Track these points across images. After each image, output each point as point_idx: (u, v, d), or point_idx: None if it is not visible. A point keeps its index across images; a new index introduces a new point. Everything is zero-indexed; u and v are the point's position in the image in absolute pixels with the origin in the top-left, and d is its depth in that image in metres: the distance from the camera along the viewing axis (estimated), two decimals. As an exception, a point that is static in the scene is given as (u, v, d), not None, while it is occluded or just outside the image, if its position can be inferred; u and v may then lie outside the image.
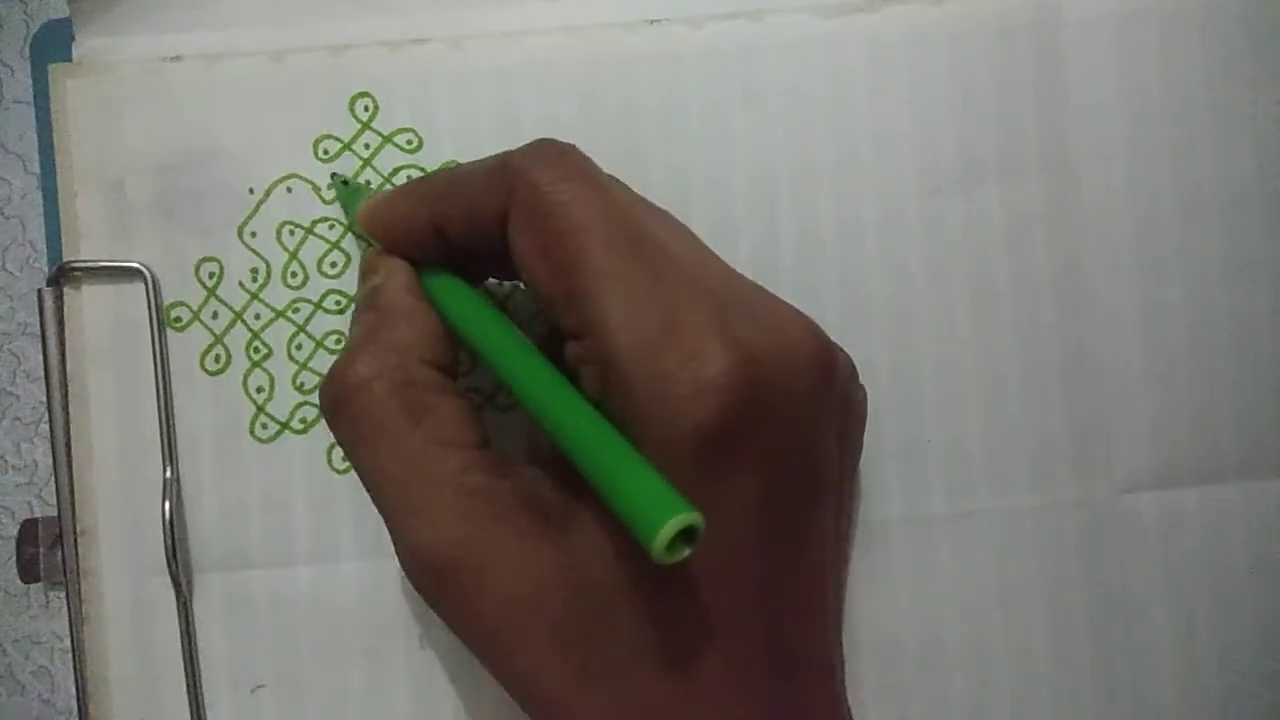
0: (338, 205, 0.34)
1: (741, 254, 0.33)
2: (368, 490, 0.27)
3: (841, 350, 0.28)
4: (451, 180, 0.29)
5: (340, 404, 0.27)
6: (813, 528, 0.27)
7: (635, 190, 0.29)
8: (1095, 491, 0.34)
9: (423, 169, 0.34)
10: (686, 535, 0.22)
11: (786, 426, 0.25)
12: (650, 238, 0.25)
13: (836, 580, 0.28)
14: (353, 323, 0.29)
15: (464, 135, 0.34)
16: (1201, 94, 0.34)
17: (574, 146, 0.27)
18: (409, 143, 0.34)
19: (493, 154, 0.28)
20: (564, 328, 0.26)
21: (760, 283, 0.33)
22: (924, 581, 0.33)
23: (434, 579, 0.26)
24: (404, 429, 0.26)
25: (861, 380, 0.32)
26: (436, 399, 0.27)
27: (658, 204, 0.29)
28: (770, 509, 0.25)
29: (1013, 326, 0.34)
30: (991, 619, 0.33)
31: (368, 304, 0.29)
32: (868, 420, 0.33)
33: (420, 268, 0.29)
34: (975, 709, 0.33)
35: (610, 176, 0.28)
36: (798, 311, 0.27)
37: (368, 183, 0.33)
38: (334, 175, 0.33)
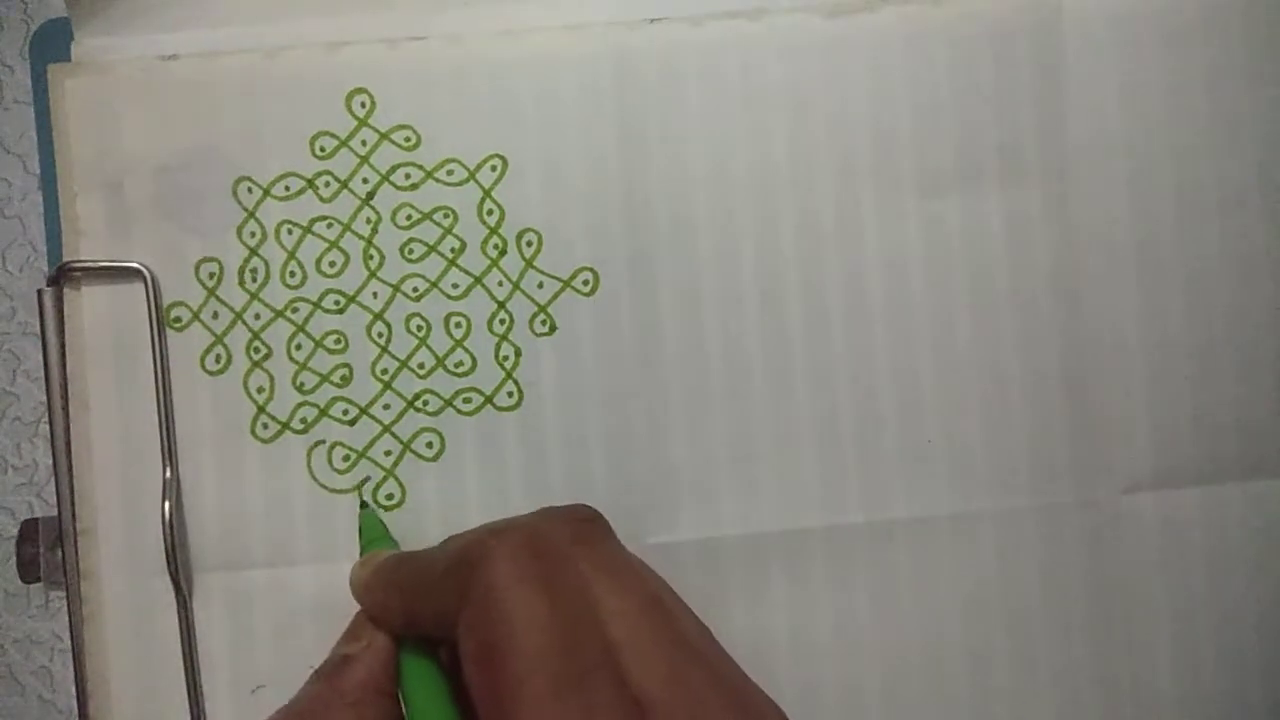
0: (335, 204, 0.34)
1: (743, 253, 0.33)
2: None
3: None
4: (416, 572, 0.27)
5: None
6: None
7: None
8: (1096, 492, 0.34)
9: (421, 166, 0.34)
10: None
11: None
12: (595, 667, 0.23)
13: None
14: (311, 678, 0.28)
15: (462, 133, 0.34)
16: (1201, 94, 0.34)
17: (540, 533, 0.25)
18: (407, 140, 0.34)
19: (465, 534, 0.26)
20: None
21: (761, 282, 0.34)
22: (926, 581, 0.33)
23: None
24: None
25: (864, 382, 0.33)
26: None
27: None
28: None
29: (1013, 326, 0.34)
30: (993, 619, 0.33)
31: (328, 674, 0.28)
32: (869, 421, 0.33)
33: (402, 643, 0.28)
34: (976, 708, 0.33)
35: (583, 552, 0.25)
36: None
37: (391, 540, 0.32)
38: (362, 506, 0.33)
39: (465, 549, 0.25)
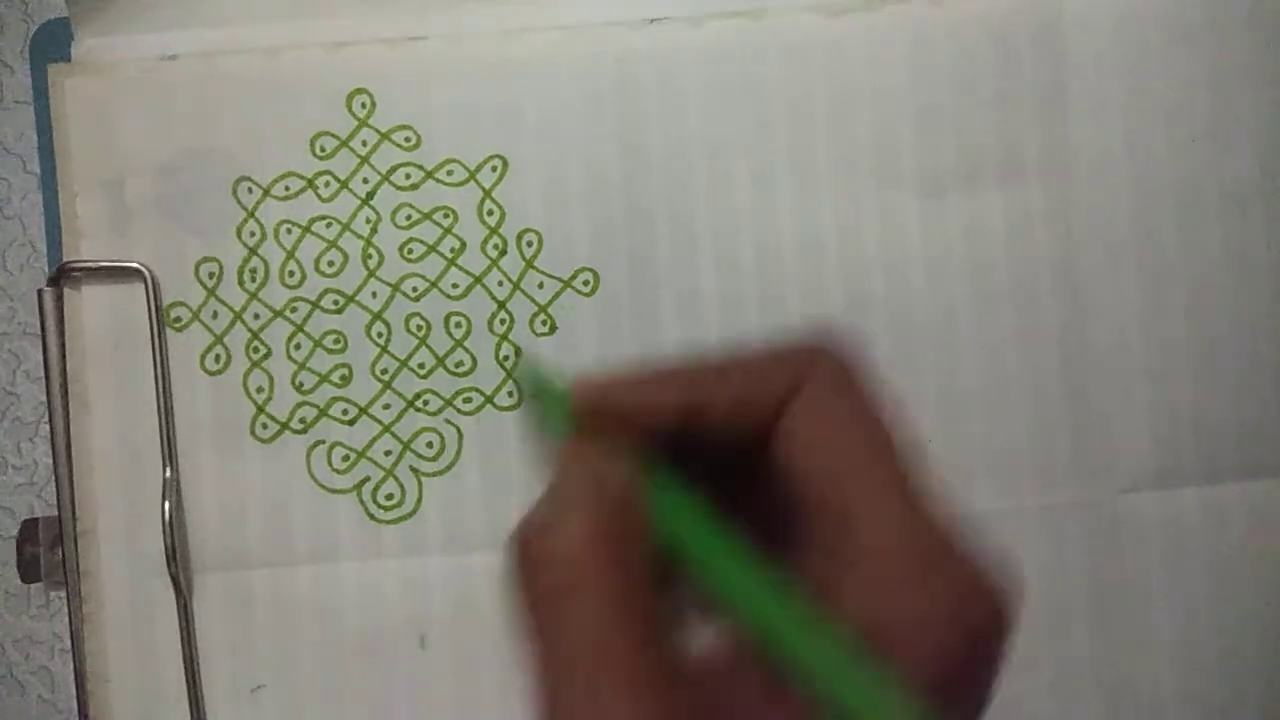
0: (334, 203, 0.34)
1: (742, 253, 0.33)
2: (545, 669, 0.22)
3: None
4: (722, 363, 0.26)
5: (546, 565, 0.22)
6: None
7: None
8: (1096, 491, 0.34)
9: (421, 167, 0.34)
10: None
11: (995, 677, 0.25)
12: (910, 473, 0.24)
13: None
14: (553, 485, 0.24)
15: (462, 133, 0.34)
16: (1203, 94, 0.34)
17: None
18: (407, 140, 0.34)
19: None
20: (819, 531, 0.23)
21: (762, 282, 0.34)
22: (924, 581, 0.33)
23: None
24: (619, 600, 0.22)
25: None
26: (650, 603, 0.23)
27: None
28: None
29: (1013, 327, 0.34)
30: (991, 619, 0.33)
31: (596, 480, 0.24)
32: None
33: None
34: (975, 709, 0.33)
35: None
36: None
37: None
38: (521, 360, 0.33)
39: (799, 339, 0.25)
